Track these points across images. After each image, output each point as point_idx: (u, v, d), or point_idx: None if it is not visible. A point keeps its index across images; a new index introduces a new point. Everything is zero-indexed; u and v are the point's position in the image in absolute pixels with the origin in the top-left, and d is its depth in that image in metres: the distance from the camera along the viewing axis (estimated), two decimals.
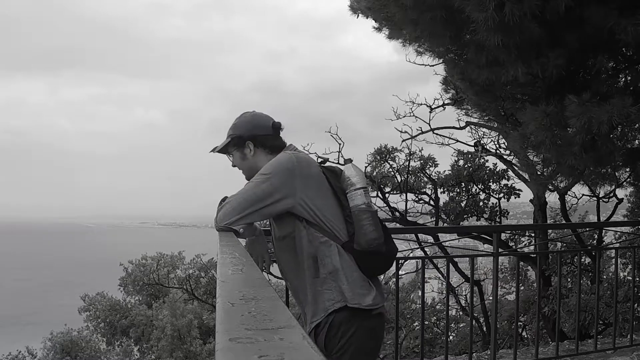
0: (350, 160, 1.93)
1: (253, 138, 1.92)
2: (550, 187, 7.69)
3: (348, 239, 1.76)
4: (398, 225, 8.44)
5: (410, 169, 9.08)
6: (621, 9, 3.03)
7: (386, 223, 2.22)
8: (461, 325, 11.16)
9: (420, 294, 4.24)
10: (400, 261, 3.35)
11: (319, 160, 2.07)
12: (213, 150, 1.99)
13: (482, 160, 9.04)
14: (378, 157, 9.07)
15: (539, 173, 6.17)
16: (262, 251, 1.96)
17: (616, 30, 3.03)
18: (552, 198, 9.07)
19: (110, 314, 16.11)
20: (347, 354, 1.69)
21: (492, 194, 9.08)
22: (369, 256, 1.76)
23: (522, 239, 9.69)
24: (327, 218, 1.75)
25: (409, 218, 9.02)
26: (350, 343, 1.69)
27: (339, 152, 8.78)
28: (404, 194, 9.02)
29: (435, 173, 9.31)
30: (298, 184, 1.73)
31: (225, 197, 1.81)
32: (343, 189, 1.83)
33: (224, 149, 1.98)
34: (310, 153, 8.51)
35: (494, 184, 9.06)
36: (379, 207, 8.71)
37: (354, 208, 1.79)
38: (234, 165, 1.99)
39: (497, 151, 9.15)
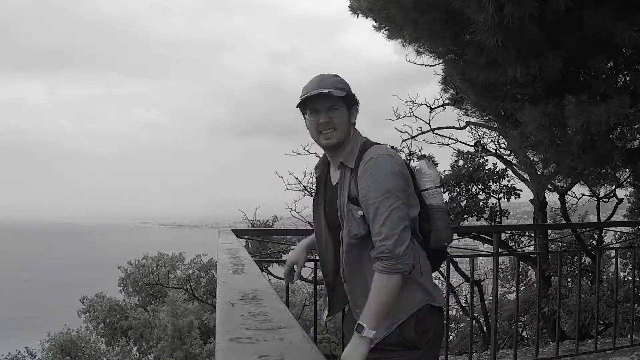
0: (424, 157, 1.90)
1: (358, 105, 1.78)
2: (550, 187, 7.70)
3: (422, 237, 1.76)
4: None
5: (410, 169, 9.05)
6: (619, 11, 3.03)
7: None
8: (461, 325, 11.16)
9: None
10: None
11: None
12: (324, 89, 1.65)
13: (482, 160, 9.04)
14: None
15: (538, 173, 6.18)
16: (301, 258, 1.98)
17: (613, 33, 3.04)
18: (552, 198, 9.08)
19: (110, 315, 16.11)
20: (435, 346, 1.75)
21: (492, 194, 9.07)
22: (439, 255, 1.79)
23: (522, 239, 9.69)
24: (413, 217, 1.73)
25: None
26: (436, 337, 1.75)
27: None
28: None
29: None
30: (407, 189, 1.70)
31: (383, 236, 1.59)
32: (419, 186, 1.81)
33: (337, 99, 1.67)
34: (310, 153, 8.53)
35: (494, 184, 9.05)
36: None
37: (432, 207, 1.77)
38: (325, 122, 1.67)
39: (497, 151, 9.15)
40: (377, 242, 1.58)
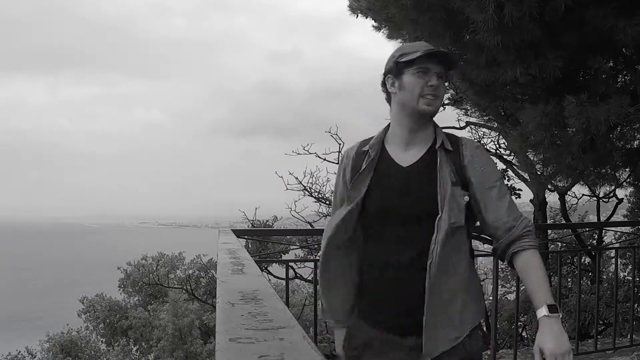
0: None
1: None
2: (550, 187, 7.70)
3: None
4: None
5: None
6: (620, 9, 3.03)
7: None
8: None
9: None
10: None
11: None
12: (445, 51, 1.60)
13: None
14: None
15: (538, 173, 6.17)
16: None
17: (615, 31, 3.04)
18: (552, 198, 9.09)
19: (110, 315, 16.12)
20: None
21: None
22: None
23: None
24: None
25: None
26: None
27: (339, 152, 8.79)
28: None
29: None
30: None
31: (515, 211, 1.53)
32: None
33: (445, 68, 1.54)
34: (310, 153, 8.53)
35: None
36: None
37: None
38: (436, 85, 1.52)
39: (497, 151, 9.16)
40: (511, 220, 1.48)
